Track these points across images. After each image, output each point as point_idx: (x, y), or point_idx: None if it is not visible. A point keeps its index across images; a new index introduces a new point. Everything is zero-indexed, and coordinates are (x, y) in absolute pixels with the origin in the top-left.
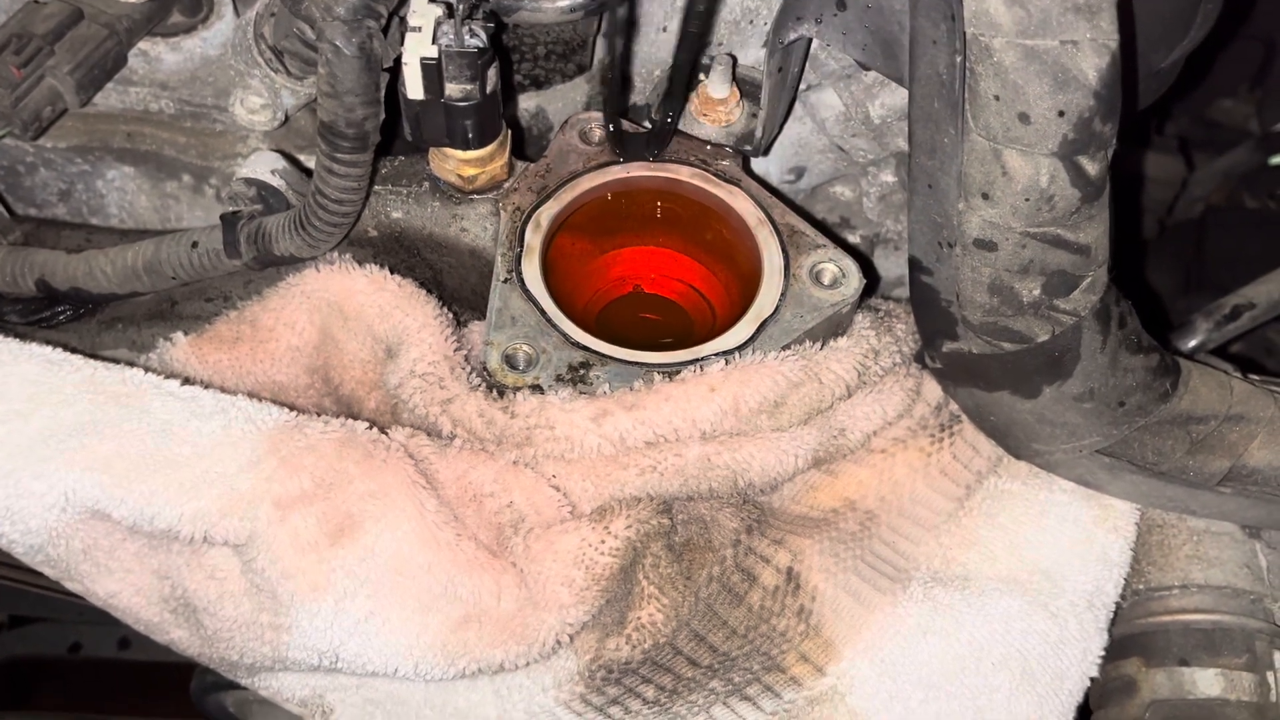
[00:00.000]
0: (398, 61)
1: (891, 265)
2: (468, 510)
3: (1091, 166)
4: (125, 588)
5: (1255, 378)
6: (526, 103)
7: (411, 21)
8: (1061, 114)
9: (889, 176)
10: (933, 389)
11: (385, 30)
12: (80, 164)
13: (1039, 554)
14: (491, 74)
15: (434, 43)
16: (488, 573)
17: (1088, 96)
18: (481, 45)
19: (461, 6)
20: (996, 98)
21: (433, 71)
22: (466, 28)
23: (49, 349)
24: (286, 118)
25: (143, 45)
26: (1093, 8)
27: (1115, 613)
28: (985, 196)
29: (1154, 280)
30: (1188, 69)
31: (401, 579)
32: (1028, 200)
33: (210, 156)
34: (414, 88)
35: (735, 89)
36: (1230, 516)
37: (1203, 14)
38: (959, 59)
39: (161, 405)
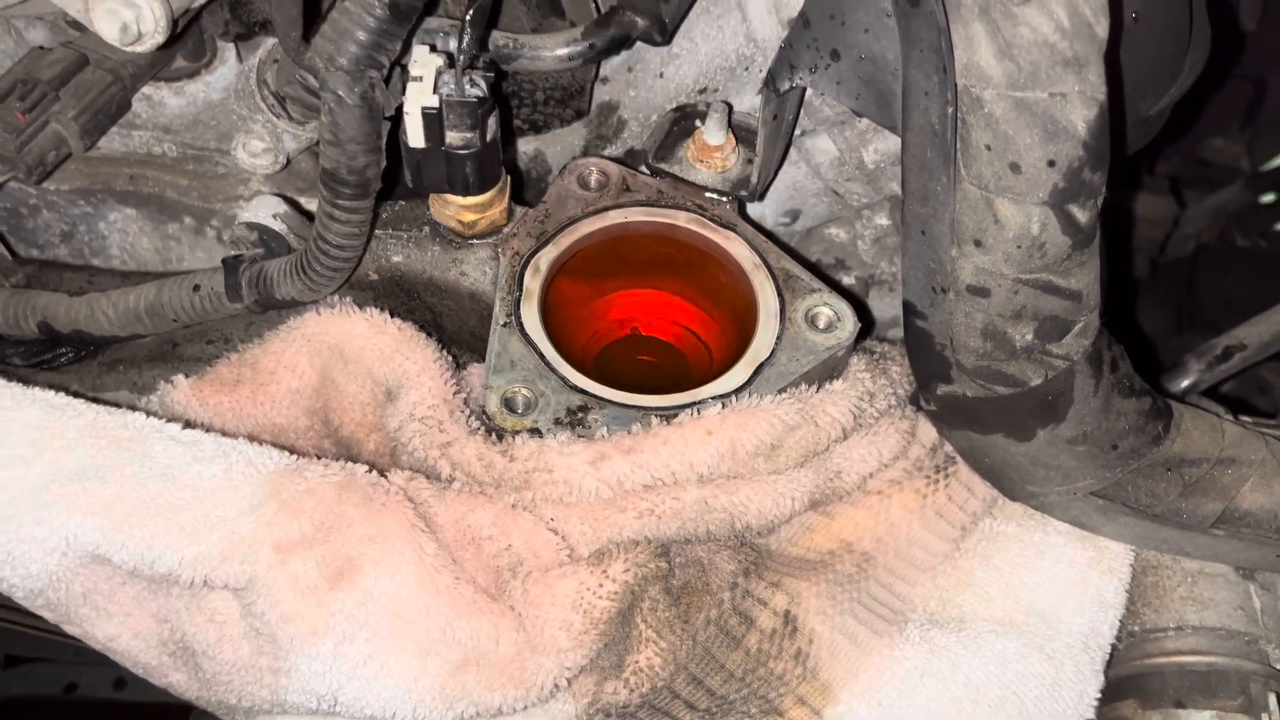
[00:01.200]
0: (399, 110)
1: (886, 306)
2: (466, 553)
3: (1082, 214)
4: (124, 631)
5: (1246, 419)
6: (525, 146)
7: (413, 71)
8: (1052, 164)
9: (883, 219)
10: (928, 431)
11: (387, 80)
12: (83, 206)
13: (1034, 596)
14: (491, 122)
15: (435, 92)
16: (486, 616)
17: (1077, 147)
18: (482, 95)
19: (462, 57)
20: (988, 147)
21: (434, 120)
22: (467, 77)
23: (51, 394)
24: (288, 161)
25: (147, 90)
26: (1081, 61)
27: (1111, 654)
28: (978, 243)
29: (1147, 318)
30: (1179, 108)
31: (400, 622)
32: (1019, 247)
33: (212, 198)
34: (415, 136)
35: (731, 135)
36: (1224, 559)
37: (1190, 63)
38: (951, 110)
39: (163, 449)
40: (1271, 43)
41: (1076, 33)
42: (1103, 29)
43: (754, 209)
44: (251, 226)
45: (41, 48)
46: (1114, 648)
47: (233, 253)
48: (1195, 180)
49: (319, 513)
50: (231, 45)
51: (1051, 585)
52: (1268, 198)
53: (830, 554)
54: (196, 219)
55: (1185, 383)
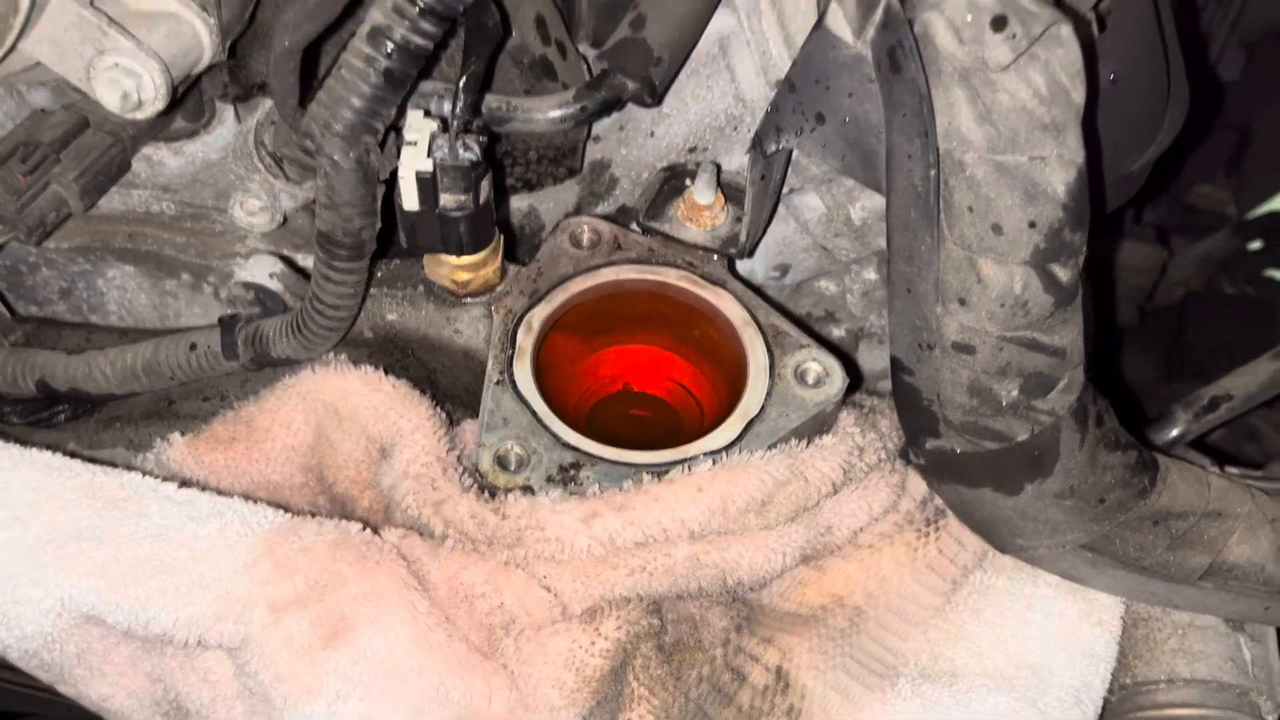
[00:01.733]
0: (394, 174)
1: (876, 359)
2: (460, 611)
3: (1063, 273)
4: (118, 691)
5: (1233, 471)
6: (519, 203)
7: (407, 136)
8: (1033, 225)
9: (871, 274)
10: (918, 484)
11: (382, 144)
12: (82, 263)
13: (1025, 649)
14: (485, 185)
15: (429, 156)
16: (479, 674)
17: (1057, 209)
18: (475, 159)
19: (456, 122)
20: (970, 209)
21: (428, 184)
22: (460, 141)
23: (48, 455)
24: (285, 219)
25: (146, 150)
26: (1059, 126)
27: (1103, 707)
28: (962, 302)
29: (1136, 365)
30: (1163, 159)
31: (394, 681)
32: (1003, 306)
33: (209, 256)
34: (409, 199)
35: (720, 194)
36: (1213, 610)
37: (1169, 120)
38: (933, 172)
39: (158, 509)
40: (1255, 91)
41: (1054, 99)
42: (1079, 94)
43: (745, 264)
44: (248, 286)
45: (44, 110)
46: (1106, 700)
47: (229, 311)
48: (1182, 227)
49: (313, 571)
50: (230, 106)
51: (1042, 638)
52: (1255, 244)
53: (822, 608)
54: (194, 275)
55: (1173, 433)
